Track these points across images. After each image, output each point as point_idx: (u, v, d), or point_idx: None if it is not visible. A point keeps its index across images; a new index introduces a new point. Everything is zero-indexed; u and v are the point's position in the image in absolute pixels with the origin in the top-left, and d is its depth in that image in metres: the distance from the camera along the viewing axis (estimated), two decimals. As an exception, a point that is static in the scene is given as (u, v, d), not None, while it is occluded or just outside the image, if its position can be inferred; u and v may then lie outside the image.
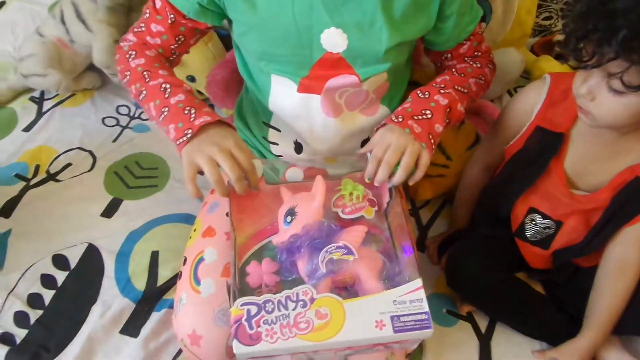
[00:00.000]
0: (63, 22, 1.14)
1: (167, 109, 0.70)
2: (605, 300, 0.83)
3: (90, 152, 1.12)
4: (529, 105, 0.83)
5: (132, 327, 0.86)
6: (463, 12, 0.78)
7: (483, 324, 0.91)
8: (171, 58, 0.82)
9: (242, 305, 0.65)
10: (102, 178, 1.07)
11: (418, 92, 0.77)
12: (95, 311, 0.87)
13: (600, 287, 0.84)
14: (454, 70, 0.83)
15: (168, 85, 0.72)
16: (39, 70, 1.13)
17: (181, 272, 0.80)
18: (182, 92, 0.72)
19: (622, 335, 0.86)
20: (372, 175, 0.72)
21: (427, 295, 0.89)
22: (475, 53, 0.85)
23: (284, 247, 0.72)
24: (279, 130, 0.84)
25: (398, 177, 0.71)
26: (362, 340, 0.65)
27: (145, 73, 0.74)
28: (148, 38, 0.78)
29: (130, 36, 0.80)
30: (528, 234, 0.89)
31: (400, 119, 0.73)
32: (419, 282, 0.68)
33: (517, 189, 0.86)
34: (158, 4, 0.76)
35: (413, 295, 0.67)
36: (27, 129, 1.16)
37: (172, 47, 0.79)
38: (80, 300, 0.88)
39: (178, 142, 0.68)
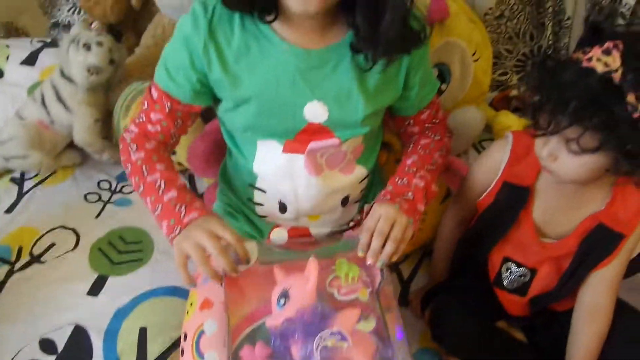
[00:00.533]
0: (43, 104, 1.18)
1: (160, 206, 0.75)
2: (581, 343, 0.86)
3: (73, 230, 1.13)
4: (494, 164, 0.88)
5: (124, 409, 0.85)
6: (424, 83, 0.86)
7: (470, 376, 0.93)
8: (171, 141, 0.87)
9: None
10: (86, 256, 1.08)
11: (396, 179, 0.84)
12: (85, 396, 0.86)
13: (575, 331, 0.87)
14: (419, 148, 0.90)
15: (163, 182, 0.77)
16: (20, 152, 1.16)
17: (183, 349, 0.82)
18: (174, 188, 0.77)
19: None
20: (365, 246, 0.76)
21: (413, 351, 0.93)
22: (434, 120, 0.94)
23: (277, 331, 0.74)
24: (264, 192, 0.88)
25: (389, 249, 0.75)
26: None
27: (144, 167, 0.80)
28: (149, 127, 0.83)
29: (132, 127, 0.85)
30: (505, 282, 0.93)
31: (389, 197, 0.80)
32: None
33: (490, 240, 0.91)
34: (155, 95, 0.82)
35: None
36: (9, 210, 1.17)
37: (171, 131, 0.84)
38: (68, 386, 0.88)
39: (169, 238, 0.73)
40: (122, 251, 1.10)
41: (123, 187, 1.25)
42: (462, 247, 0.97)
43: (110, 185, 1.25)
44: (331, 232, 0.93)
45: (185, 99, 0.80)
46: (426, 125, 0.94)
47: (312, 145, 0.81)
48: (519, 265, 0.91)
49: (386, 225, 0.77)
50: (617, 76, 0.65)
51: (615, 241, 0.83)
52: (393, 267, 1.12)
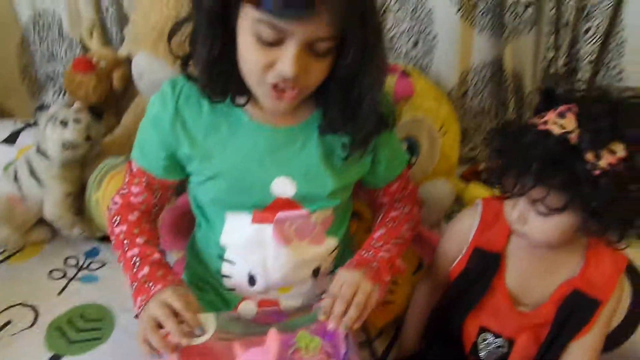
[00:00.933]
0: (16, 179, 1.19)
1: (135, 284, 0.77)
2: None
3: (32, 307, 1.09)
4: (465, 230, 0.88)
5: None
6: (392, 158, 0.90)
7: None
8: (154, 210, 0.89)
9: None
10: (43, 334, 1.02)
11: (362, 252, 0.85)
12: None
13: None
14: (388, 220, 0.92)
15: (138, 260, 0.79)
16: (-12, 227, 1.15)
17: None
18: (147, 265, 0.78)
19: None
20: (328, 310, 0.75)
21: None
22: (403, 192, 0.95)
23: None
24: (233, 263, 0.86)
25: (352, 313, 0.74)
26: None
27: (125, 242, 0.82)
28: (132, 198, 0.86)
29: (116, 198, 0.88)
30: (482, 354, 0.88)
31: (354, 264, 0.80)
32: None
33: (464, 309, 0.88)
34: (134, 169, 0.85)
35: None
36: (-31, 287, 1.13)
37: (152, 202, 0.87)
38: None
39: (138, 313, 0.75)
40: (81, 329, 1.04)
41: (90, 263, 1.22)
42: (435, 316, 0.94)
43: (78, 262, 1.22)
44: (302, 306, 0.90)
45: (157, 174, 0.84)
46: (396, 196, 0.95)
47: (280, 214, 0.81)
48: (496, 335, 0.87)
49: (349, 290, 0.76)
50: (573, 137, 0.68)
51: (592, 308, 0.82)
52: (366, 343, 1.06)
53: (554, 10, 1.04)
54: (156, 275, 0.77)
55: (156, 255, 0.81)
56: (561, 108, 0.70)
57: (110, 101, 1.41)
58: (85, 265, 1.21)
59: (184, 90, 0.79)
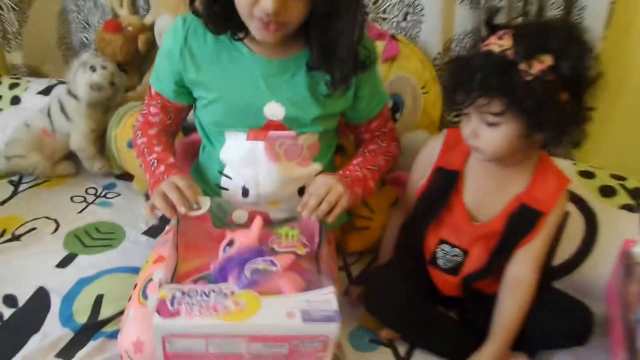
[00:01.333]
0: (49, 115, 1.36)
1: (152, 180, 0.93)
2: (504, 314, 0.92)
3: (55, 220, 1.25)
4: (430, 153, 1.01)
5: (67, 352, 0.90)
6: (372, 96, 1.02)
7: (403, 349, 0.97)
8: (170, 130, 1.04)
9: (169, 290, 0.74)
10: (62, 239, 1.18)
11: (340, 172, 0.97)
12: (35, 339, 0.92)
13: (500, 303, 0.93)
14: (366, 151, 1.04)
15: (156, 161, 0.95)
16: (21, 152, 1.32)
17: (131, 295, 0.89)
18: (164, 165, 0.94)
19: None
20: (304, 203, 0.88)
21: (352, 328, 0.98)
22: (383, 129, 1.08)
23: (217, 267, 0.83)
24: (230, 178, 0.99)
25: (323, 207, 0.88)
26: (271, 325, 0.72)
27: (145, 150, 0.98)
28: (150, 117, 1.02)
29: (139, 117, 1.04)
30: (440, 262, 1.00)
31: (331, 175, 0.93)
32: (331, 288, 0.78)
33: (425, 222, 1.00)
34: (153, 92, 1.01)
35: (324, 297, 0.76)
36: (2, 203, 1.30)
37: (167, 122, 1.02)
38: (22, 331, 0.93)
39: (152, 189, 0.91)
40: (95, 238, 1.20)
41: (107, 193, 1.37)
42: (403, 231, 1.06)
43: (96, 191, 1.38)
44: (288, 218, 1.03)
45: (170, 97, 0.98)
46: (376, 133, 1.08)
47: (271, 133, 0.95)
48: (453, 246, 0.99)
49: (324, 189, 0.90)
50: (510, 53, 0.81)
51: (536, 218, 0.94)
52: (344, 267, 1.19)
53: (521, -21, 1.20)
54: (171, 172, 0.92)
55: (171, 159, 0.96)
56: (500, 32, 0.84)
57: (134, 61, 1.59)
58: (102, 194, 1.37)
59: (192, 24, 0.94)
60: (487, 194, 0.97)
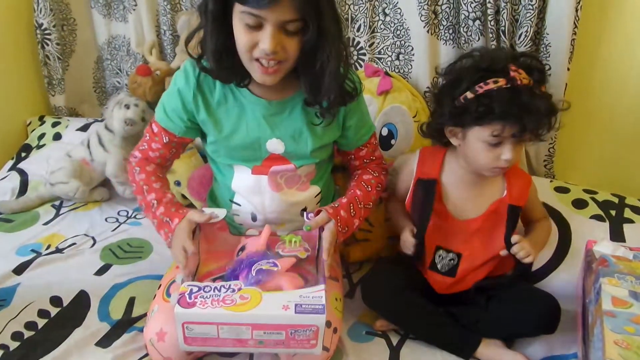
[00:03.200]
0: (88, 146, 1.57)
1: (155, 221, 1.06)
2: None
3: (92, 237, 1.42)
4: (410, 169, 1.17)
5: (105, 341, 1.05)
6: (359, 126, 1.14)
7: (395, 339, 1.10)
8: (167, 164, 1.16)
9: (188, 285, 0.91)
10: (99, 252, 1.35)
11: (342, 211, 1.08)
12: (78, 331, 1.08)
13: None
14: (362, 182, 1.16)
15: (155, 202, 1.07)
16: (64, 179, 1.51)
17: (155, 295, 1.05)
18: (162, 205, 1.06)
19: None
20: (327, 250, 1.02)
21: (351, 323, 1.12)
22: (371, 157, 1.21)
23: (230, 267, 1.00)
24: (240, 205, 1.14)
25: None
26: (269, 316, 0.86)
27: (144, 187, 1.09)
28: (150, 153, 1.12)
29: (136, 153, 1.14)
30: (439, 266, 1.15)
31: (331, 211, 1.07)
32: (322, 286, 0.92)
33: (420, 233, 1.13)
34: (155, 130, 1.10)
35: (316, 294, 0.90)
36: (46, 223, 1.48)
37: (167, 157, 1.13)
38: (67, 325, 1.09)
39: (167, 243, 1.05)
40: (127, 251, 1.37)
41: (136, 215, 1.55)
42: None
43: (128, 213, 1.56)
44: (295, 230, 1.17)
45: (179, 133, 1.09)
46: (365, 160, 1.21)
47: (274, 168, 1.09)
48: (447, 251, 1.14)
49: (334, 239, 1.05)
50: (530, 82, 0.98)
51: (519, 211, 1.11)
52: (347, 275, 1.33)
53: (493, 22, 1.37)
54: (170, 212, 1.04)
55: (169, 196, 1.08)
56: (513, 67, 0.98)
57: (161, 101, 1.81)
58: (133, 216, 1.55)
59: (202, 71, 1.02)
60: (467, 200, 1.13)
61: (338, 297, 1.09)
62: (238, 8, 0.90)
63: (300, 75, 1.01)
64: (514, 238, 1.05)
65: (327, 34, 0.93)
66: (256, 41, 0.91)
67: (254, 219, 1.14)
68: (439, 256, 1.15)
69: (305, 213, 1.08)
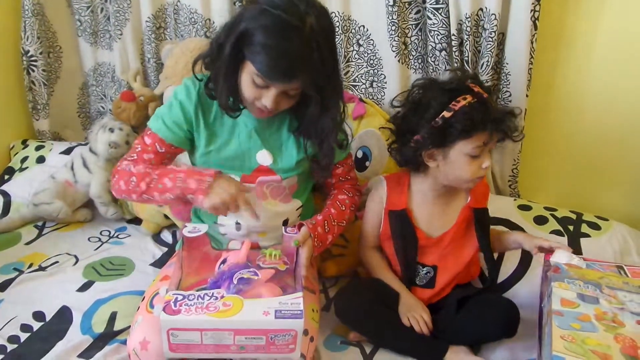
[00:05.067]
0: (72, 168, 1.61)
1: (181, 175, 1.05)
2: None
3: (75, 256, 1.46)
4: (379, 199, 1.24)
5: (87, 353, 1.09)
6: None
7: (368, 348, 1.15)
8: None
9: (173, 294, 0.95)
10: (81, 270, 1.39)
11: (318, 228, 1.15)
12: (60, 344, 1.10)
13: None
14: (337, 202, 1.24)
15: (170, 170, 1.08)
16: (48, 200, 1.55)
17: (139, 307, 1.09)
18: (183, 168, 1.08)
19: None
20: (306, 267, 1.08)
21: (327, 334, 1.18)
22: (347, 177, 1.30)
23: (213, 279, 1.04)
24: (225, 215, 1.15)
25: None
26: (251, 321, 0.91)
27: (148, 169, 1.09)
28: (140, 162, 1.13)
29: (124, 163, 1.14)
30: (417, 280, 1.21)
31: (310, 226, 1.14)
32: (300, 294, 0.97)
33: (411, 256, 1.20)
34: (148, 141, 1.14)
35: (294, 300, 0.95)
36: (28, 243, 1.51)
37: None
38: (49, 339, 1.12)
39: (202, 188, 1.03)
40: (109, 269, 1.41)
41: (119, 234, 1.59)
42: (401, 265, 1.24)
43: (110, 233, 1.60)
44: (275, 244, 1.22)
45: (177, 143, 1.15)
46: (340, 178, 1.30)
47: (261, 178, 1.17)
48: (423, 265, 1.21)
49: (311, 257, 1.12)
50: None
51: (486, 212, 1.20)
52: (323, 290, 1.38)
53: (458, 52, 1.49)
54: (198, 169, 1.09)
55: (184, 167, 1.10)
56: (475, 87, 1.09)
57: (144, 125, 1.86)
58: (115, 235, 1.59)
59: (202, 87, 1.13)
60: (436, 216, 1.21)
61: (315, 308, 1.14)
62: (251, 67, 1.00)
63: (301, 132, 1.15)
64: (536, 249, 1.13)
65: (329, 108, 1.08)
66: (260, 96, 1.04)
67: (238, 228, 1.19)
68: (419, 271, 1.21)
69: (284, 227, 1.14)
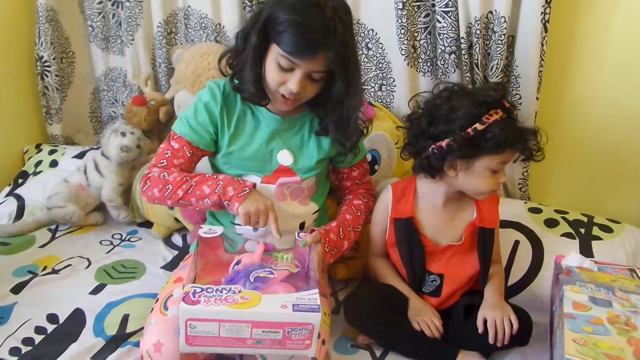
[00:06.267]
0: (85, 172, 1.63)
1: (220, 182, 1.09)
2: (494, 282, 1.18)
3: (87, 259, 1.47)
4: (385, 207, 1.24)
5: (100, 355, 1.10)
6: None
7: (378, 351, 1.15)
8: None
9: (191, 286, 0.95)
10: (93, 273, 1.40)
11: (331, 234, 1.17)
12: (73, 346, 1.12)
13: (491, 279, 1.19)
14: (353, 207, 1.26)
15: (209, 175, 1.13)
16: (61, 204, 1.57)
17: (153, 308, 1.10)
18: (222, 176, 1.12)
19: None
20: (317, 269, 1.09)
21: (337, 336, 1.18)
22: (362, 180, 1.32)
23: (227, 278, 1.05)
24: (253, 225, 1.15)
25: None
26: (269, 313, 0.91)
27: (184, 177, 1.12)
28: (172, 168, 1.15)
29: (155, 169, 1.15)
30: (423, 288, 1.21)
31: (322, 232, 1.16)
32: (315, 290, 0.97)
33: (418, 263, 1.20)
34: (176, 146, 1.15)
35: (310, 296, 0.96)
36: (42, 246, 1.53)
37: (187, 170, 1.17)
38: (62, 341, 1.13)
39: (237, 195, 1.07)
40: (121, 272, 1.42)
41: (130, 237, 1.61)
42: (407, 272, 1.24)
43: (122, 236, 1.62)
44: (290, 248, 1.20)
45: (204, 146, 1.16)
46: (356, 181, 1.31)
47: (281, 179, 1.18)
48: (430, 273, 1.21)
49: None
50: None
51: (493, 234, 1.19)
52: (333, 293, 1.38)
53: (467, 55, 1.49)
54: (236, 179, 1.11)
55: (222, 176, 1.12)
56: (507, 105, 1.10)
57: (155, 129, 1.89)
58: (127, 239, 1.60)
59: (225, 88, 1.16)
60: (442, 225, 1.21)
61: (326, 312, 1.14)
62: (276, 49, 1.04)
63: (322, 112, 1.16)
64: (480, 323, 1.09)
65: (353, 85, 1.09)
66: (285, 80, 1.06)
67: (255, 229, 1.17)
68: (426, 279, 1.21)
69: (297, 232, 1.15)
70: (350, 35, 1.06)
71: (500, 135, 1.04)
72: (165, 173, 1.14)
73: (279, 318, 0.91)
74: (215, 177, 1.13)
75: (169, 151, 1.17)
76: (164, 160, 1.16)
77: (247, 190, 1.08)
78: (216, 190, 1.09)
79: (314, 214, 1.24)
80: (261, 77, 1.09)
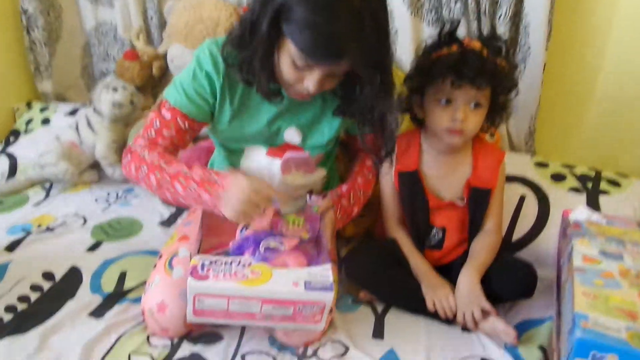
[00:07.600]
0: (77, 129, 1.58)
1: (193, 183, 0.95)
2: (476, 250, 1.13)
3: (83, 217, 1.44)
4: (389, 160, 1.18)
5: (98, 312, 1.07)
6: None
7: (380, 307, 1.13)
8: (171, 149, 1.06)
9: (199, 259, 0.92)
10: (89, 230, 1.37)
11: (343, 200, 1.12)
12: (70, 302, 1.10)
13: (473, 244, 1.15)
14: (365, 169, 1.19)
15: (185, 168, 0.98)
16: (53, 161, 1.52)
17: (156, 264, 1.07)
18: (198, 168, 0.97)
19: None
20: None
21: (339, 295, 1.15)
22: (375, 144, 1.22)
23: (235, 244, 1.00)
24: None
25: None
26: (280, 292, 0.88)
27: (161, 162, 0.98)
28: (159, 140, 1.04)
29: (140, 141, 1.04)
30: (426, 242, 1.19)
31: (335, 198, 1.12)
32: (329, 265, 0.95)
33: (422, 219, 1.18)
34: (168, 116, 1.02)
35: (324, 272, 0.93)
36: (36, 205, 1.50)
37: (176, 143, 1.05)
38: (59, 298, 1.11)
39: (214, 199, 0.94)
40: (117, 229, 1.39)
41: (126, 196, 1.57)
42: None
43: (117, 194, 1.58)
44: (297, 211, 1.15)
45: (201, 118, 1.05)
46: (369, 145, 1.20)
47: (288, 154, 1.10)
48: (432, 226, 1.18)
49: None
50: (485, 52, 1.06)
51: (488, 195, 1.14)
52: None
53: (474, 3, 1.41)
54: (215, 173, 0.96)
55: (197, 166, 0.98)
56: (466, 39, 1.09)
57: (148, 85, 1.82)
58: (122, 197, 1.57)
59: (230, 57, 0.99)
60: (443, 179, 1.18)
61: (335, 279, 1.11)
62: (291, 45, 0.88)
63: (352, 117, 1.06)
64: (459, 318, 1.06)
65: (385, 86, 0.95)
66: (301, 78, 0.93)
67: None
68: (430, 232, 1.18)
69: (308, 195, 1.11)
70: (382, 28, 0.89)
71: (442, 64, 1.05)
72: (146, 151, 1.02)
73: (291, 296, 0.88)
74: (185, 173, 0.97)
75: (157, 120, 1.04)
76: (152, 131, 1.05)
77: (221, 193, 0.93)
78: (190, 195, 0.97)
79: (322, 179, 1.18)
80: (274, 72, 0.96)
